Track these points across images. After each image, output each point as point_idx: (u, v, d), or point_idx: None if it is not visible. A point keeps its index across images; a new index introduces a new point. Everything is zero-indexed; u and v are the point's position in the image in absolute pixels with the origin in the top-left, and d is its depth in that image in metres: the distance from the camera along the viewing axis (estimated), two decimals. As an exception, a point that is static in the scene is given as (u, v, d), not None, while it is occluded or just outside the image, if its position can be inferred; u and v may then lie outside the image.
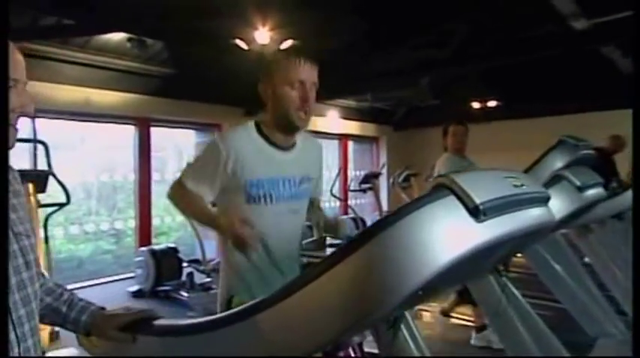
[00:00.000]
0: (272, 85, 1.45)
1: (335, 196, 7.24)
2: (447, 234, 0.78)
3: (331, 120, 8.18)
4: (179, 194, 1.50)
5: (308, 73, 1.44)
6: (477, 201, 0.80)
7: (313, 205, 1.68)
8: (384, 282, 0.76)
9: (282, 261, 1.49)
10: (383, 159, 9.40)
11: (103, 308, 1.08)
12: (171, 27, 4.28)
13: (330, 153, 9.00)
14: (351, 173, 8.97)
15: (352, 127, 8.77)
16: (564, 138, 2.14)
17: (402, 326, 1.15)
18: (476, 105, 7.95)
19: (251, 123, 1.51)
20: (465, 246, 0.78)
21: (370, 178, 7.17)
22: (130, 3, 3.92)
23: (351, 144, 9.22)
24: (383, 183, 8.14)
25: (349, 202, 8.20)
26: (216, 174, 1.43)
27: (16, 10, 4.00)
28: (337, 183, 7.46)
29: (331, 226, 1.67)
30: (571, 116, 6.84)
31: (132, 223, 6.04)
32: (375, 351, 1.16)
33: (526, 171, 2.17)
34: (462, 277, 1.09)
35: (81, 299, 1.08)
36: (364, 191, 7.29)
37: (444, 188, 0.83)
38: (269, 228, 1.45)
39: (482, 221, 0.80)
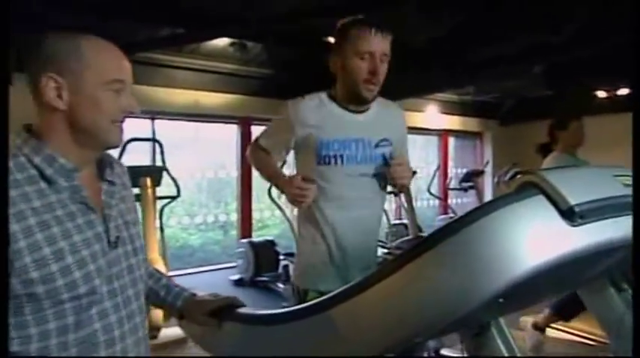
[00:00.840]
0: (341, 56, 1.41)
1: (433, 195, 6.97)
2: (532, 238, 0.68)
3: (430, 115, 7.87)
4: (253, 151, 1.59)
5: (379, 43, 1.37)
6: (572, 202, 0.68)
7: None
8: (458, 285, 0.69)
9: (358, 230, 1.46)
10: (487, 155, 8.80)
11: (194, 295, 1.16)
12: (270, 30, 4.45)
13: (430, 150, 8.68)
14: (451, 171, 8.56)
15: (453, 122, 8.34)
16: None
17: (494, 335, 1.04)
18: (601, 94, 7.02)
19: (323, 92, 1.50)
20: (554, 253, 0.67)
21: (472, 176, 6.78)
22: (233, 10, 4.17)
23: (451, 140, 8.79)
24: (487, 181, 7.64)
25: (449, 201, 7.83)
26: (285, 137, 1.47)
27: (138, 25, 4.50)
28: (436, 181, 7.17)
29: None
30: None
31: (236, 216, 6.46)
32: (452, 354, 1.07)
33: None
34: (555, 287, 0.96)
35: (176, 285, 1.17)
36: (465, 190, 6.91)
37: (532, 186, 0.73)
38: (342, 191, 1.43)
39: (578, 225, 0.69)
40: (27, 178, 0.80)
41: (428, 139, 8.58)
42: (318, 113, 1.44)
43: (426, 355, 0.85)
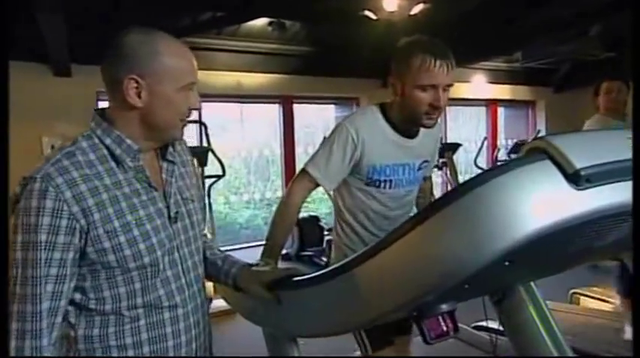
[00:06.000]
0: (402, 82, 1.37)
1: (479, 167, 6.78)
2: (537, 201, 0.69)
3: (477, 85, 7.57)
4: (295, 191, 1.48)
5: (442, 76, 1.32)
6: (578, 165, 0.68)
7: (423, 185, 1.69)
8: (463, 245, 0.71)
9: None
10: (540, 125, 8.38)
11: (250, 265, 1.15)
12: (307, 7, 4.44)
13: (477, 121, 8.39)
14: (501, 142, 8.24)
15: (502, 91, 7.98)
16: None
17: (523, 301, 1.03)
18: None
19: (376, 108, 1.47)
20: (559, 216, 0.68)
21: (521, 147, 6.50)
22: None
23: (501, 109, 8.43)
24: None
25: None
26: (344, 166, 1.42)
27: (180, 11, 4.63)
28: (483, 153, 6.95)
29: None
30: None
31: (280, 193, 6.62)
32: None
33: None
34: (570, 255, 0.94)
35: (232, 257, 1.19)
36: (514, 161, 6.65)
37: (540, 151, 0.73)
38: (383, 208, 1.50)
39: (584, 188, 0.68)
40: (100, 157, 0.89)
41: (474, 111, 8.28)
42: (374, 135, 1.42)
43: (440, 317, 0.83)
